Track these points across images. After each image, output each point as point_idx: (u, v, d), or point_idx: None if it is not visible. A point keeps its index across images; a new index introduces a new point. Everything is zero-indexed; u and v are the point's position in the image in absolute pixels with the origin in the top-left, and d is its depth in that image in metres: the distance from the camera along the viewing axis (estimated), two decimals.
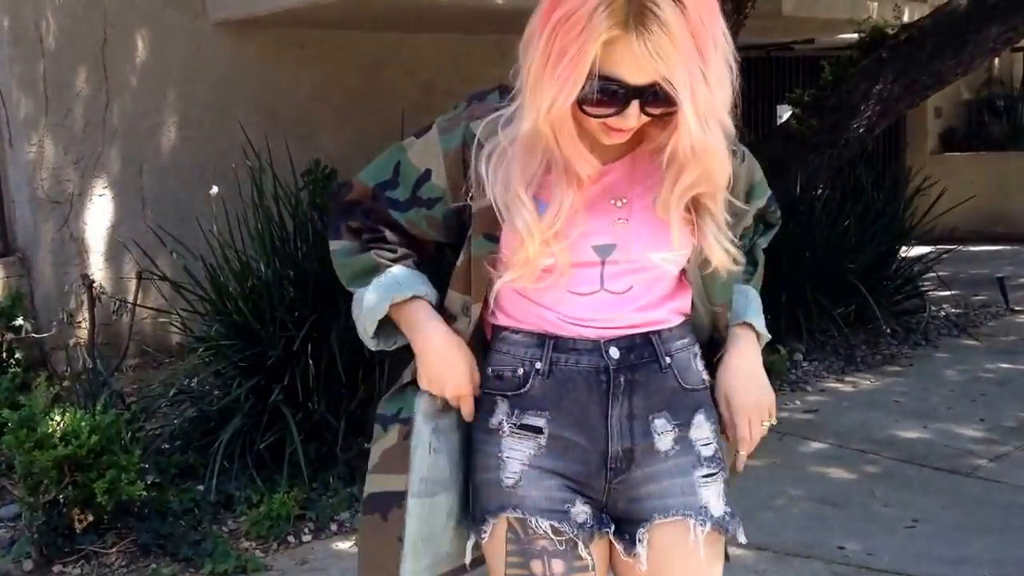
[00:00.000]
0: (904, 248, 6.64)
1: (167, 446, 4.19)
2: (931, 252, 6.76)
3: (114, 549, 3.50)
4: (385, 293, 1.62)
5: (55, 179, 5.51)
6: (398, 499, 1.60)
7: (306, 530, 3.71)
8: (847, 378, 5.62)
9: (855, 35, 6.84)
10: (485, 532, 1.60)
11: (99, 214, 5.68)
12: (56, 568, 3.42)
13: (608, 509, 1.61)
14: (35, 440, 3.34)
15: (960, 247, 7.42)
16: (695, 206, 1.54)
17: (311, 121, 6.42)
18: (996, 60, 12.10)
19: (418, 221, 1.64)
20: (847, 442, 4.54)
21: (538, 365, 1.58)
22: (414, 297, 1.62)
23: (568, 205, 1.49)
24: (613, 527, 1.61)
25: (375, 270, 1.65)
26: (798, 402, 5.17)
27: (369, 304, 1.64)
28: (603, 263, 1.56)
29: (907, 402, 5.14)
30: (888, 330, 6.20)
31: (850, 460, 4.32)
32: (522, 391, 1.59)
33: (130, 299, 5.16)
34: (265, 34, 6.41)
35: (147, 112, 5.87)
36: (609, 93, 1.40)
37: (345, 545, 3.61)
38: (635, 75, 1.39)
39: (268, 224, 4.32)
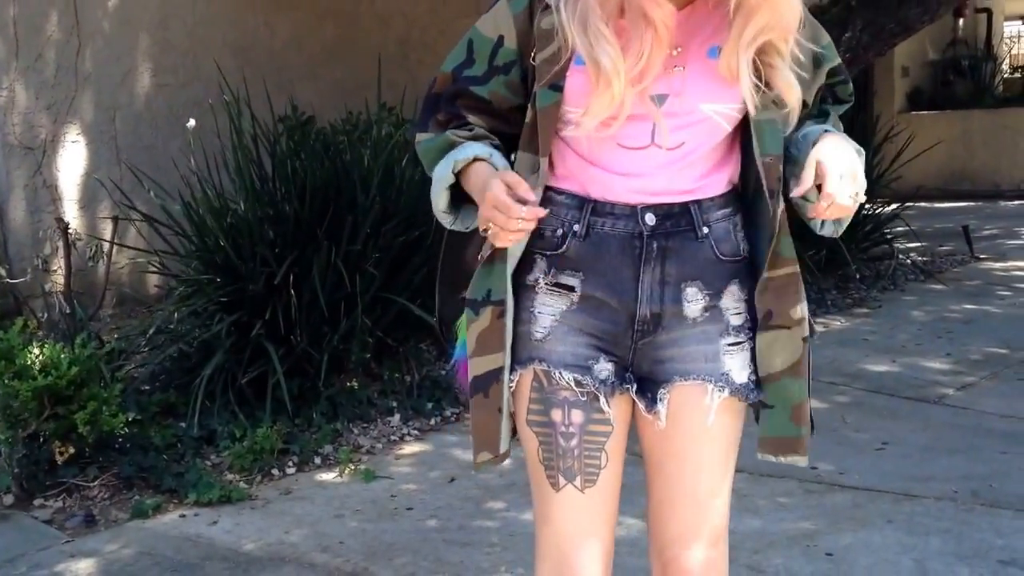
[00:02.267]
0: (869, 205, 6.73)
1: (147, 387, 4.17)
2: (898, 207, 6.89)
3: (96, 482, 3.49)
4: (450, 160, 1.62)
5: (27, 124, 5.45)
6: (497, 375, 1.66)
7: (290, 463, 3.73)
8: (817, 320, 5.67)
9: None
10: (514, 381, 1.67)
11: (73, 161, 5.63)
12: (37, 502, 3.40)
13: (632, 368, 1.66)
14: (14, 371, 3.32)
15: (926, 204, 7.53)
16: (764, 48, 1.51)
17: (287, 70, 6.36)
18: (961, 21, 12.22)
19: (499, 89, 1.64)
20: (818, 375, 4.56)
21: (576, 227, 1.61)
22: (476, 160, 1.61)
23: (649, 44, 1.47)
24: (635, 385, 1.66)
25: (451, 147, 1.65)
26: None
27: (438, 175, 1.64)
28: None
29: (876, 340, 5.25)
30: (857, 275, 6.32)
31: (821, 392, 4.38)
32: (559, 251, 1.63)
33: (106, 246, 5.13)
34: None
35: (120, 57, 5.80)
36: None
37: (329, 476, 3.64)
38: None
39: (247, 163, 4.31)
